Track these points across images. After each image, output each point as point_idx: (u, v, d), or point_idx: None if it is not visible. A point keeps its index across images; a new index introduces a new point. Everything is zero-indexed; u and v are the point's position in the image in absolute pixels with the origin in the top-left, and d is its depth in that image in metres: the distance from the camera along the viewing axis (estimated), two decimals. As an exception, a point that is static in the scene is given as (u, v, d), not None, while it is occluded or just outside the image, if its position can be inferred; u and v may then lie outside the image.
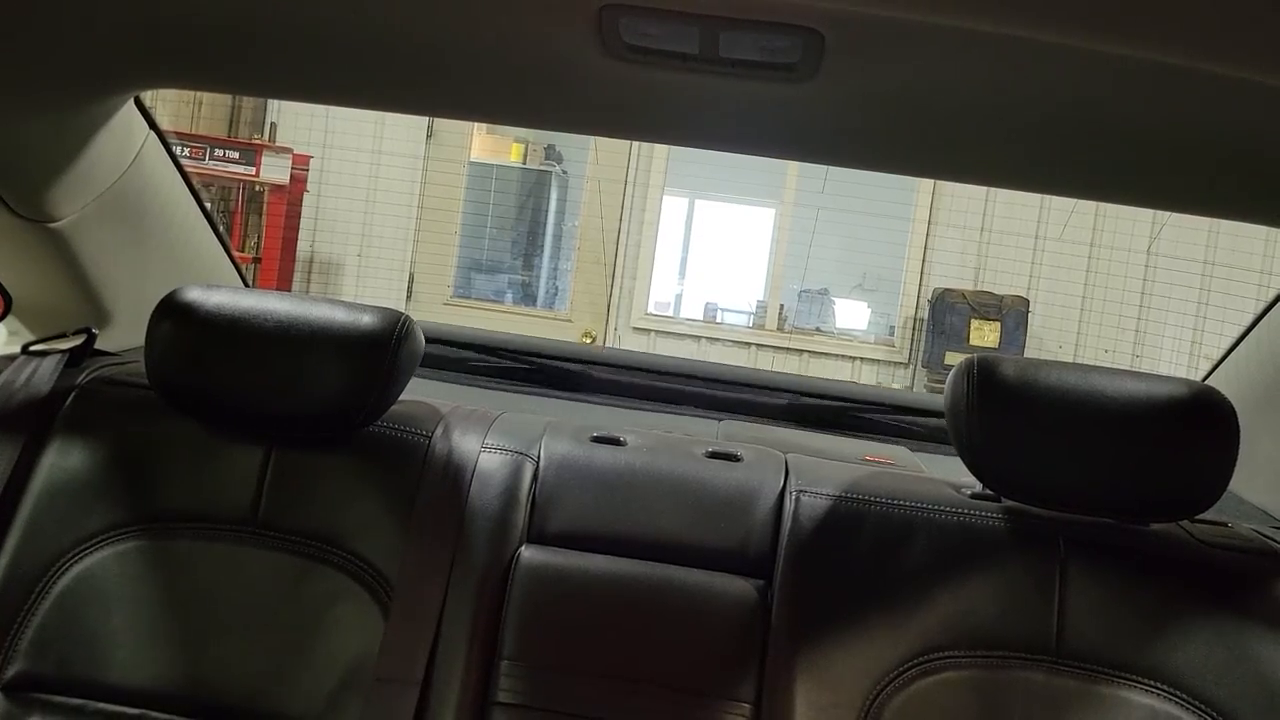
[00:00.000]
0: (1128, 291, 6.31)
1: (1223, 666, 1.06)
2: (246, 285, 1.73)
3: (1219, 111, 0.86)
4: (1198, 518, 1.18)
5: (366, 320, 1.15)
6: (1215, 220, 1.24)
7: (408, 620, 1.10)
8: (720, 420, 1.62)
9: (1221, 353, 1.48)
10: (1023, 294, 6.42)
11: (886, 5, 0.72)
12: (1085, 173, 1.07)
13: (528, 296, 7.43)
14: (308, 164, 6.10)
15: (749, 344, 6.86)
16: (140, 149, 1.32)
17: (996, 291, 6.42)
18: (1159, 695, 1.06)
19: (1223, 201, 1.11)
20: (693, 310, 7.16)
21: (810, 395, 1.66)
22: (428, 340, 1.26)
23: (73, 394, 1.22)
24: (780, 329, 6.89)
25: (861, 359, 6.81)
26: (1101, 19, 0.70)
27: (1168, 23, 0.69)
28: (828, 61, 0.85)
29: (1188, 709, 1.05)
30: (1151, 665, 1.07)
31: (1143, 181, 1.08)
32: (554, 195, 7.42)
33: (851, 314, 7.05)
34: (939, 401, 1.37)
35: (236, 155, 5.61)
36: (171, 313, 1.14)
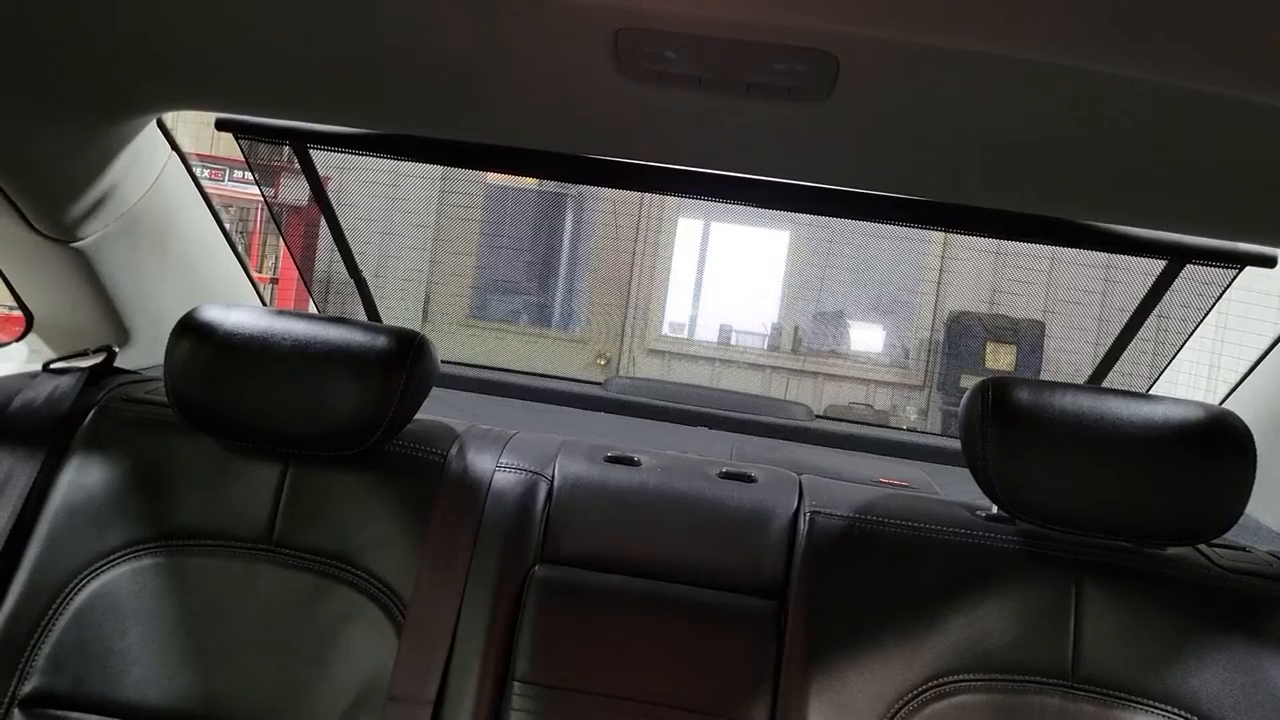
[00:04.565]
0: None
1: (1240, 692, 1.05)
2: (264, 305, 1.75)
3: (1235, 134, 0.86)
4: (1215, 542, 1.17)
5: (383, 340, 1.15)
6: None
7: (421, 639, 1.10)
8: (734, 441, 1.62)
9: (1239, 376, 1.47)
10: (1038, 317, 6.40)
11: (900, 29, 0.73)
12: (1101, 196, 1.07)
13: (543, 318, 7.43)
14: (326, 185, 6.13)
15: (764, 366, 6.84)
16: (162, 170, 1.33)
17: (1012, 315, 6.40)
18: None
19: (1245, 224, 1.11)
20: (707, 333, 7.15)
21: None
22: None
23: (92, 411, 1.23)
24: (795, 351, 6.88)
25: (876, 382, 6.78)
26: (1116, 42, 0.70)
27: (1184, 47, 0.69)
28: (842, 85, 0.85)
29: None
30: (1168, 690, 1.06)
31: (1161, 204, 1.08)
32: (569, 217, 7.43)
33: (866, 337, 7.03)
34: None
35: (255, 176, 5.65)
36: (191, 331, 1.15)
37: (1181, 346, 1.75)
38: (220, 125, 1.46)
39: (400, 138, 1.39)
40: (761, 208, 1.38)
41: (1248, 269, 1.36)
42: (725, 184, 1.35)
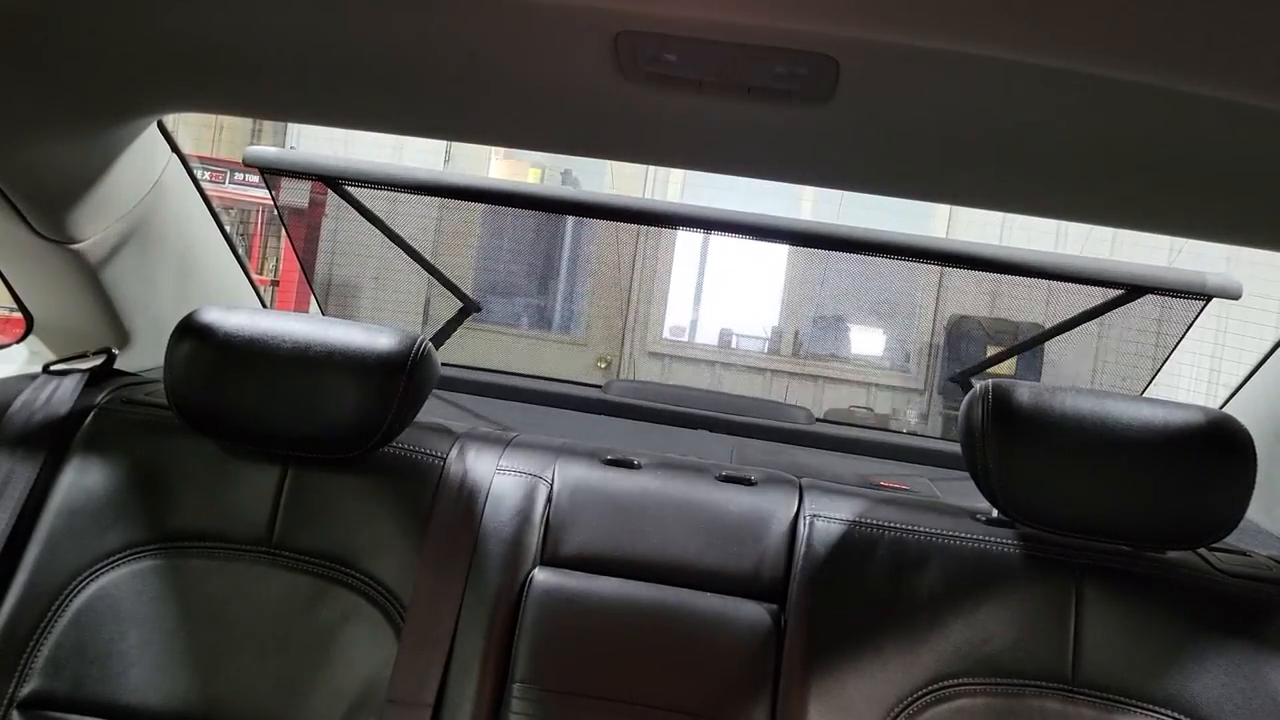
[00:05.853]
0: (1145, 319, 6.26)
1: (1240, 696, 1.05)
2: (265, 307, 1.75)
3: (1236, 138, 0.86)
4: (1215, 546, 1.17)
5: (383, 342, 1.15)
6: (1234, 246, 1.24)
7: (420, 642, 1.10)
8: (734, 444, 1.62)
9: (1239, 380, 1.47)
10: (1039, 321, 6.39)
11: (901, 33, 0.73)
12: (1100, 198, 1.07)
13: (544, 321, 7.43)
14: (326, 189, 6.14)
15: (764, 370, 6.84)
16: (162, 172, 1.33)
17: (1012, 318, 6.40)
18: None
19: (1239, 227, 1.11)
20: (708, 336, 7.14)
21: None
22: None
23: (92, 413, 1.23)
24: (795, 355, 6.87)
25: (876, 385, 6.78)
26: (1115, 47, 0.70)
27: (1183, 51, 0.69)
28: (842, 88, 0.86)
29: None
30: (1169, 694, 1.06)
31: (1163, 208, 1.08)
32: (570, 220, 7.43)
33: (866, 340, 7.02)
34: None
35: (256, 179, 5.66)
36: (191, 333, 1.15)
37: (1159, 368, 1.81)
38: (248, 161, 1.49)
39: (438, 181, 1.46)
40: (763, 241, 1.46)
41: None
42: (726, 222, 1.42)
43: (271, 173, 1.54)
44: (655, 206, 1.60)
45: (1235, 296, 1.49)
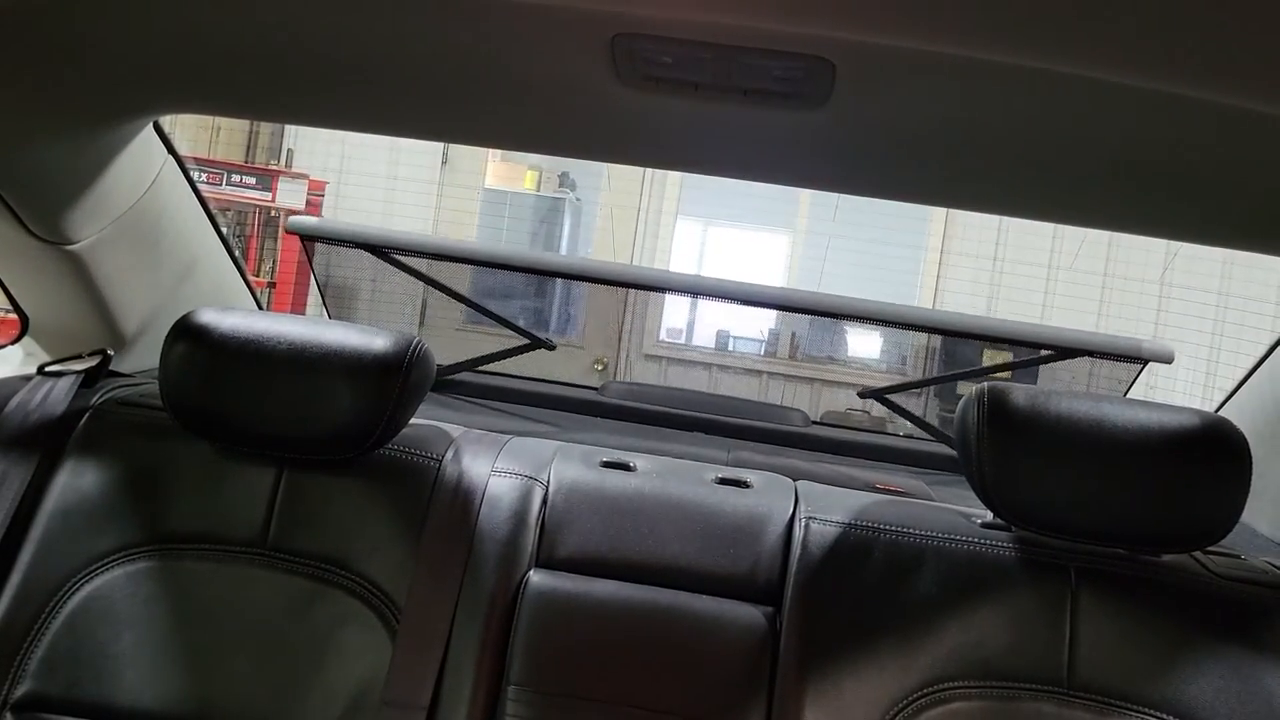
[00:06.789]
0: (1140, 322, 6.28)
1: (1235, 699, 1.05)
2: (261, 309, 1.74)
3: (1234, 143, 0.86)
4: (1210, 549, 1.17)
5: (379, 344, 1.15)
6: (1229, 251, 1.25)
7: (416, 644, 1.10)
8: (730, 446, 1.62)
9: (1235, 383, 1.47)
10: (1035, 324, 6.37)
11: (897, 35, 0.73)
12: (1096, 202, 1.07)
13: (540, 324, 7.42)
14: (323, 190, 6.14)
15: (760, 372, 6.84)
16: (158, 173, 1.33)
17: (1009, 321, 6.38)
18: None
19: (1237, 232, 1.11)
20: (704, 338, 7.14)
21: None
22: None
23: (87, 415, 1.23)
24: (792, 357, 6.87)
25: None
26: (1110, 50, 0.70)
27: (1180, 55, 0.69)
28: (839, 90, 0.86)
29: None
30: (1164, 697, 1.06)
31: (1155, 211, 1.08)
32: (567, 222, 7.42)
33: (863, 342, 7.02)
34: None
35: (253, 181, 5.66)
36: (186, 335, 1.15)
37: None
38: (291, 230, 1.58)
39: (475, 251, 1.55)
40: (751, 307, 1.58)
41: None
42: (720, 290, 1.61)
43: (313, 239, 1.62)
44: (662, 277, 1.80)
45: (1167, 361, 1.59)
